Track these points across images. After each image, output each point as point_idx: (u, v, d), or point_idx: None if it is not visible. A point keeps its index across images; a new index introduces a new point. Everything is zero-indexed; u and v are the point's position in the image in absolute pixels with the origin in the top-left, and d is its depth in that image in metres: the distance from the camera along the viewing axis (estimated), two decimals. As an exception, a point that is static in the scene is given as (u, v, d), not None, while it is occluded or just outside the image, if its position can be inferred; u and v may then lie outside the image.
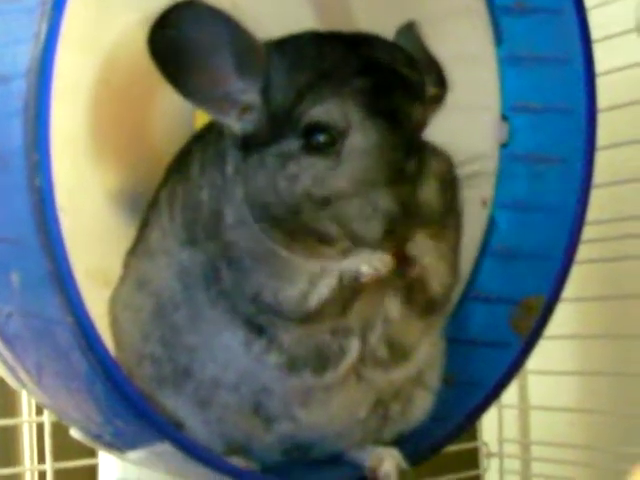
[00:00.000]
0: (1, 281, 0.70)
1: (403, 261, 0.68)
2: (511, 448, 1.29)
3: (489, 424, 1.25)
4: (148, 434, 0.70)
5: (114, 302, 0.80)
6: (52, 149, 0.63)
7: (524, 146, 0.93)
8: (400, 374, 0.76)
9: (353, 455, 0.80)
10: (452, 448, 0.88)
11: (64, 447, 1.00)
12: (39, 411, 1.07)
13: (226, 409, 0.75)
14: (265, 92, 0.69)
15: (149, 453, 0.73)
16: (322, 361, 0.72)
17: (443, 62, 0.76)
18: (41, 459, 1.08)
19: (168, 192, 0.77)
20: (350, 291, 0.69)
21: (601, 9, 1.08)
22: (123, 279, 0.80)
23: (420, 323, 0.74)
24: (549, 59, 0.90)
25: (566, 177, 0.88)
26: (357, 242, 0.66)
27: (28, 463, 1.13)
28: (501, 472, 1.27)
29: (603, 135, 0.88)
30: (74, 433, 0.81)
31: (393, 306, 0.72)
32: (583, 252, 0.89)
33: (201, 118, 0.84)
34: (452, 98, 0.75)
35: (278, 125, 0.68)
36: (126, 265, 0.81)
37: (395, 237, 0.66)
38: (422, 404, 0.80)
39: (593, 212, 0.89)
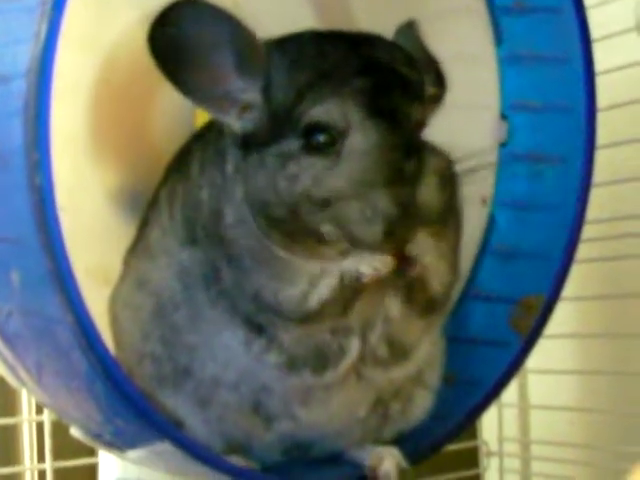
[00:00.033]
0: (1, 280, 0.70)
1: (403, 261, 0.68)
2: (511, 447, 1.29)
3: (489, 423, 1.25)
4: (148, 433, 0.70)
5: (114, 301, 0.80)
6: (52, 148, 0.63)
7: (524, 145, 0.93)
8: (400, 373, 0.76)
9: (353, 454, 0.80)
10: (452, 447, 0.88)
11: (64, 446, 1.00)
12: (39, 410, 1.07)
13: (226, 408, 0.75)
14: (265, 91, 0.69)
15: (149, 452, 0.73)
16: (322, 360, 0.72)
17: (443, 61, 0.76)
18: (41, 458, 1.08)
19: (168, 191, 0.77)
20: (351, 291, 0.69)
21: (601, 8, 1.08)
22: (123, 278, 0.80)
23: (420, 322, 0.74)
24: (549, 58, 0.90)
25: (566, 176, 0.88)
26: (356, 244, 0.66)
27: (28, 462, 1.13)
28: (501, 471, 1.27)
29: (603, 134, 0.88)
30: (74, 432, 0.81)
31: (393, 305, 0.72)
32: (583, 251, 0.89)
33: (201, 117, 0.84)
34: (452, 97, 0.75)
35: (278, 124, 0.68)
36: (126, 264, 0.81)
37: (395, 239, 0.66)
38: (422, 403, 0.80)
39: (593, 211, 0.89)
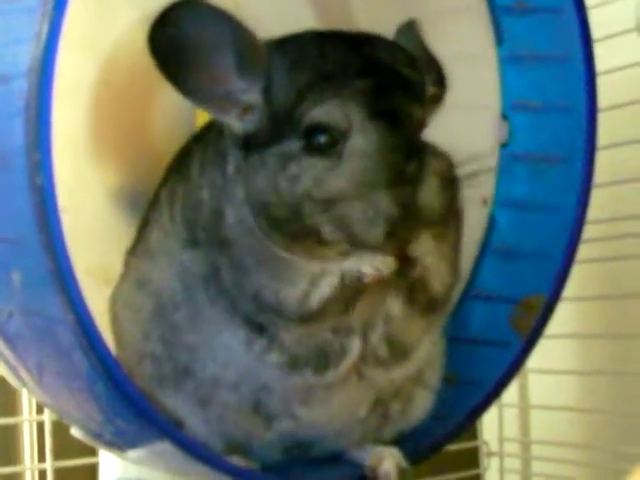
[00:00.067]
0: (2, 280, 0.70)
1: (405, 262, 0.68)
2: (511, 447, 1.29)
3: (489, 423, 1.25)
4: (148, 433, 0.70)
5: (114, 301, 0.80)
6: (53, 148, 0.63)
7: (524, 145, 0.93)
8: (400, 373, 0.76)
9: (353, 454, 0.80)
10: (452, 447, 0.89)
11: (64, 446, 1.00)
12: (40, 410, 1.07)
13: (226, 408, 0.75)
14: (266, 92, 0.69)
15: (149, 452, 0.73)
16: (323, 360, 0.72)
17: (443, 61, 0.76)
18: (41, 458, 1.08)
19: (168, 191, 0.77)
20: (352, 291, 0.69)
21: (601, 8, 1.08)
22: (123, 277, 0.80)
23: (421, 322, 0.74)
24: (549, 58, 0.90)
25: (566, 176, 0.88)
26: (358, 245, 0.66)
27: (28, 462, 1.13)
28: (501, 471, 1.27)
29: (603, 134, 0.88)
30: (75, 432, 0.81)
31: (394, 305, 0.72)
32: (583, 251, 0.89)
33: (201, 117, 0.84)
34: (452, 97, 0.75)
35: (279, 125, 0.68)
36: (126, 264, 0.81)
37: (396, 239, 0.66)
38: (422, 403, 0.80)
39: (593, 211, 0.89)
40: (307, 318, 0.70)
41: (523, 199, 0.92)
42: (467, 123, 0.90)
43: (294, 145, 0.67)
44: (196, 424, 0.76)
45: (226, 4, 0.68)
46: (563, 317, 0.93)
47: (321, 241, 0.66)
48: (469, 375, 0.87)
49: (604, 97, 0.88)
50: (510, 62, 0.93)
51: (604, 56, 0.92)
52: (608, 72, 0.99)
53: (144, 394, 0.72)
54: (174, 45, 0.67)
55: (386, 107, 0.66)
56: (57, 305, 0.65)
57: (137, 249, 0.80)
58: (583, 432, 1.23)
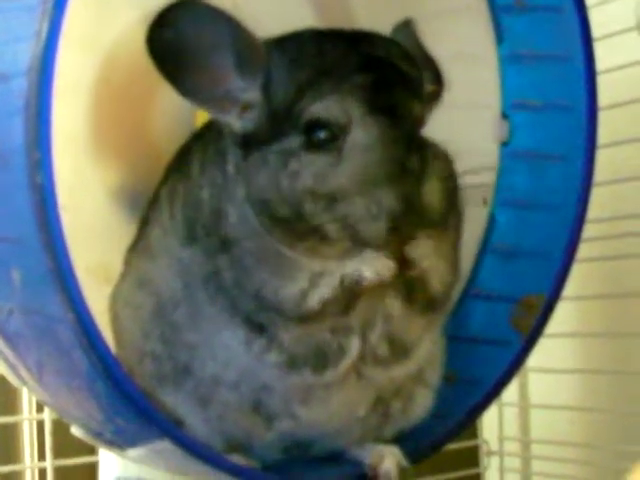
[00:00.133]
0: (2, 279, 0.70)
1: (403, 264, 0.68)
2: (511, 446, 1.29)
3: (489, 422, 1.25)
4: (148, 432, 0.70)
5: (115, 299, 0.80)
6: (53, 147, 0.63)
7: (525, 144, 0.93)
8: (400, 372, 0.76)
9: (353, 453, 0.80)
10: (452, 446, 0.88)
11: (64, 445, 1.00)
12: (40, 409, 1.07)
13: (226, 407, 0.75)
14: (265, 90, 0.69)
15: (149, 451, 0.73)
16: (322, 360, 0.72)
17: (443, 61, 0.76)
18: (41, 457, 1.08)
19: (168, 190, 0.77)
20: (351, 293, 0.69)
21: (601, 7, 1.08)
22: (124, 276, 0.80)
23: (421, 321, 0.74)
24: (550, 57, 0.90)
25: (567, 175, 0.88)
26: (359, 242, 0.66)
27: (28, 461, 1.13)
28: (501, 470, 1.27)
29: (604, 133, 0.88)
30: (75, 431, 0.81)
31: (394, 304, 0.72)
32: (583, 250, 0.89)
33: (201, 117, 0.84)
34: (453, 97, 0.75)
35: (279, 123, 0.68)
36: (127, 262, 0.81)
37: (398, 234, 0.66)
38: (422, 402, 0.80)
39: (593, 210, 0.89)
40: (306, 318, 0.70)
41: (523, 198, 0.92)
42: (467, 122, 0.90)
43: (294, 142, 0.67)
44: (196, 423, 0.76)
45: (224, 4, 0.68)
46: (563, 316, 0.93)
47: (323, 238, 0.66)
48: (469, 374, 0.87)
49: (604, 96, 0.88)
50: (510, 61, 0.93)
51: (604, 55, 0.92)
52: (608, 71, 0.99)
53: (144, 393, 0.72)
54: (172, 46, 0.67)
55: (386, 102, 0.66)
56: (57, 304, 0.65)
57: (137, 248, 0.80)
58: (583, 431, 1.23)
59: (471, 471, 1.26)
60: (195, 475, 0.79)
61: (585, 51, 0.86)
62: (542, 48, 0.90)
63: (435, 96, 0.73)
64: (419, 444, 0.82)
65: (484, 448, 1.27)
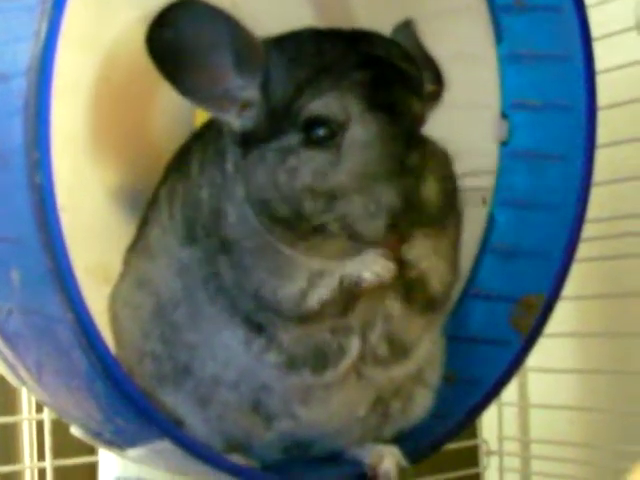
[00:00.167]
0: (1, 279, 0.70)
1: (402, 265, 0.68)
2: (511, 446, 1.29)
3: (489, 422, 1.25)
4: (148, 432, 0.70)
5: (114, 299, 0.80)
6: (52, 147, 0.63)
7: (524, 144, 0.93)
8: (400, 372, 0.76)
9: (353, 453, 0.80)
10: (452, 446, 0.88)
11: (64, 445, 1.00)
12: (39, 409, 1.07)
13: (226, 407, 0.75)
14: (264, 88, 0.69)
15: (149, 451, 0.73)
16: (322, 360, 0.72)
17: (443, 60, 0.76)
18: (41, 457, 1.08)
19: (168, 190, 0.77)
20: (350, 295, 0.69)
21: (601, 7, 1.08)
22: (123, 276, 0.80)
23: (421, 321, 0.74)
24: (549, 57, 0.90)
25: (566, 175, 0.88)
26: (358, 239, 0.66)
27: (28, 461, 1.13)
28: (501, 470, 1.27)
29: (603, 133, 0.88)
30: (74, 431, 0.81)
31: (393, 304, 0.72)
32: (583, 250, 0.89)
33: (201, 116, 0.84)
34: (452, 96, 0.75)
35: (278, 120, 0.68)
36: (126, 262, 0.81)
37: (397, 231, 0.66)
38: (422, 402, 0.80)
39: (593, 210, 0.89)
40: (305, 318, 0.70)
41: (523, 198, 0.92)
42: (467, 122, 0.90)
43: (293, 139, 0.67)
44: (196, 423, 0.76)
45: (223, 3, 0.68)
46: (563, 316, 0.93)
47: (323, 236, 0.66)
48: (469, 374, 0.87)
49: (604, 95, 0.88)
50: (510, 61, 0.93)
51: (604, 54, 0.92)
52: (608, 70, 0.99)
53: (144, 393, 0.72)
54: (172, 45, 0.67)
55: (385, 99, 0.66)
56: (56, 304, 0.65)
57: (137, 247, 0.80)
58: (583, 431, 1.23)
59: (471, 471, 1.26)
60: (195, 475, 0.79)
61: (584, 51, 0.86)
62: (542, 48, 0.90)
63: (435, 96, 0.73)
64: (419, 444, 0.82)
65: (484, 448, 1.27)
